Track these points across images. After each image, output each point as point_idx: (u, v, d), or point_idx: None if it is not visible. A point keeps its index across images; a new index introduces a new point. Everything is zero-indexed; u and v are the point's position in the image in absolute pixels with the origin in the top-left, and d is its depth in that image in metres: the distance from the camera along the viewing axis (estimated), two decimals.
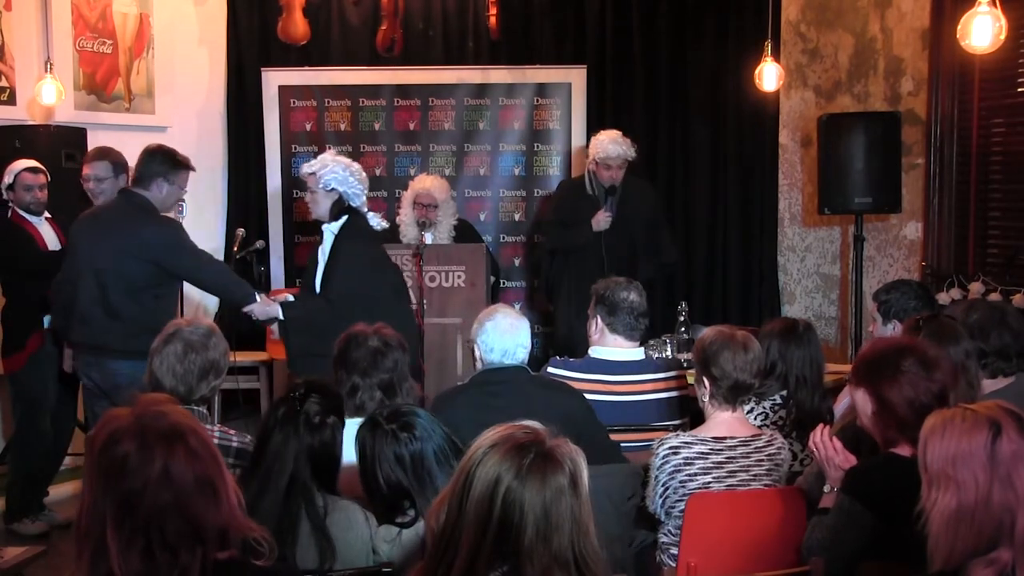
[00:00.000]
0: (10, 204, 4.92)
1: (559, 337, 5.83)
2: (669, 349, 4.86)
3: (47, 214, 5.00)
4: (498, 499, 1.73)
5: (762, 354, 3.32)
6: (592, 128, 6.85)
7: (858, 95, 6.62)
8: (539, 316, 6.66)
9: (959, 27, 4.11)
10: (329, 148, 5.10)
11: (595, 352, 3.87)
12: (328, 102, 6.82)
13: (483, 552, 1.74)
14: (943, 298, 5.60)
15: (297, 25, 6.80)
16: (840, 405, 3.62)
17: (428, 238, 5.83)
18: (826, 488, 2.78)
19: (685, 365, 3.99)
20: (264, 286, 6.75)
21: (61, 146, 5.53)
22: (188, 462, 1.76)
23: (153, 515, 1.73)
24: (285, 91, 6.80)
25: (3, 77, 5.80)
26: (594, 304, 3.91)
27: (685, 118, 7.04)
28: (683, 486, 3.06)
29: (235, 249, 6.06)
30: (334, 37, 7.03)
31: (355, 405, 3.09)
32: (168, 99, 6.72)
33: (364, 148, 6.77)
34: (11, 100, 5.83)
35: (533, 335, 3.72)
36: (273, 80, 6.80)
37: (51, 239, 4.97)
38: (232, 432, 3.04)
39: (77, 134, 5.75)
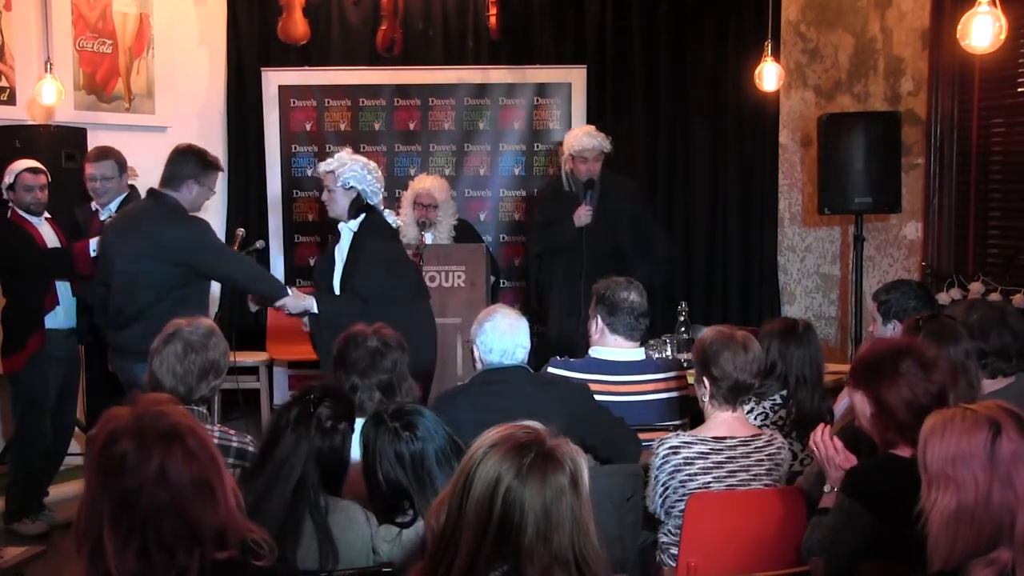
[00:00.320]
0: (10, 204, 4.92)
1: (551, 337, 5.84)
2: (669, 349, 4.86)
3: (47, 214, 5.00)
4: (498, 499, 1.73)
5: (762, 354, 3.32)
6: None
7: (858, 95, 6.62)
8: (533, 316, 6.66)
9: (959, 27, 4.11)
10: (346, 148, 5.11)
11: (595, 352, 3.87)
12: (328, 102, 6.82)
13: (483, 552, 1.74)
14: (943, 298, 5.60)
15: (297, 25, 6.81)
16: (840, 405, 3.62)
17: (428, 238, 5.84)
18: (826, 488, 2.78)
19: (685, 365, 3.99)
20: None
21: (61, 146, 5.53)
22: (185, 462, 1.76)
23: (149, 515, 1.73)
24: (285, 91, 6.80)
25: (3, 77, 5.80)
26: (594, 304, 3.91)
27: (685, 118, 7.04)
28: (683, 486, 3.06)
29: (235, 249, 6.08)
30: (334, 37, 7.03)
31: (354, 405, 3.10)
32: (168, 99, 6.72)
33: (364, 148, 6.76)
34: (11, 100, 5.83)
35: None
36: (273, 80, 6.80)
37: (51, 239, 4.97)
38: (232, 432, 3.04)
39: (77, 134, 5.75)
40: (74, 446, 5.44)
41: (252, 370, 6.36)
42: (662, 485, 3.10)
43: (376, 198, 4.57)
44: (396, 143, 6.84)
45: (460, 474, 1.79)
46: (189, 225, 4.31)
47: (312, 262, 6.40)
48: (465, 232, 6.13)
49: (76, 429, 5.48)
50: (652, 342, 4.72)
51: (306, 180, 6.87)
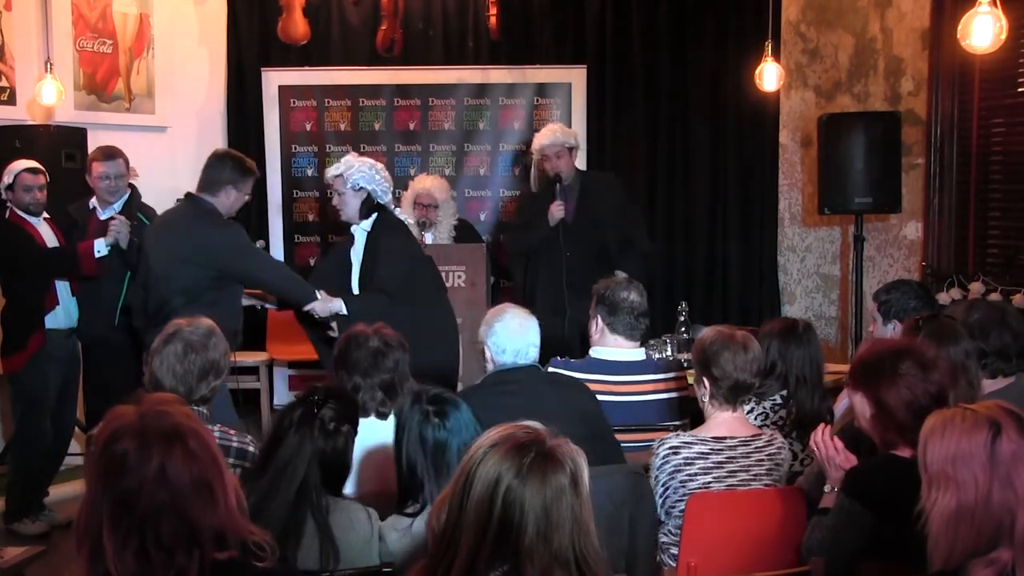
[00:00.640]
0: (8, 204, 4.92)
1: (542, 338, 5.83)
2: (669, 349, 4.86)
3: (45, 214, 5.00)
4: (498, 499, 1.73)
5: (762, 354, 3.32)
6: (592, 128, 6.87)
7: (858, 95, 6.63)
8: None
9: (959, 27, 4.11)
10: (350, 152, 5.14)
11: (596, 352, 3.87)
12: (328, 102, 6.82)
13: (483, 552, 1.74)
14: (943, 298, 5.60)
15: (297, 25, 6.80)
16: (840, 405, 3.62)
17: (428, 238, 5.84)
18: (827, 488, 2.78)
19: (685, 365, 3.99)
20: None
21: (61, 146, 5.53)
22: (185, 463, 1.76)
23: (149, 515, 1.73)
24: (285, 91, 6.80)
25: (3, 77, 5.80)
26: (595, 304, 3.91)
27: (685, 118, 7.04)
28: (683, 486, 3.06)
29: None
30: (334, 37, 7.03)
31: (358, 407, 3.10)
32: (168, 99, 6.72)
33: (364, 148, 6.76)
34: (11, 100, 5.83)
35: None
36: (273, 80, 6.80)
37: (50, 239, 4.97)
38: (232, 432, 3.04)
39: (77, 134, 5.74)
40: (74, 446, 5.44)
41: (252, 370, 6.35)
42: (662, 485, 3.10)
43: (386, 197, 4.61)
44: (396, 143, 6.84)
45: (460, 474, 1.79)
46: (224, 229, 4.35)
47: (312, 262, 6.41)
48: (465, 232, 6.13)
49: (76, 429, 5.48)
50: (652, 342, 4.72)
51: (306, 180, 6.87)
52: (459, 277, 5.59)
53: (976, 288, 5.60)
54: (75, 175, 5.28)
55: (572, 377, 3.66)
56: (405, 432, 2.57)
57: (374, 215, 4.55)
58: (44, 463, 5.02)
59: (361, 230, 4.59)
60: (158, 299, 4.29)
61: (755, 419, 3.46)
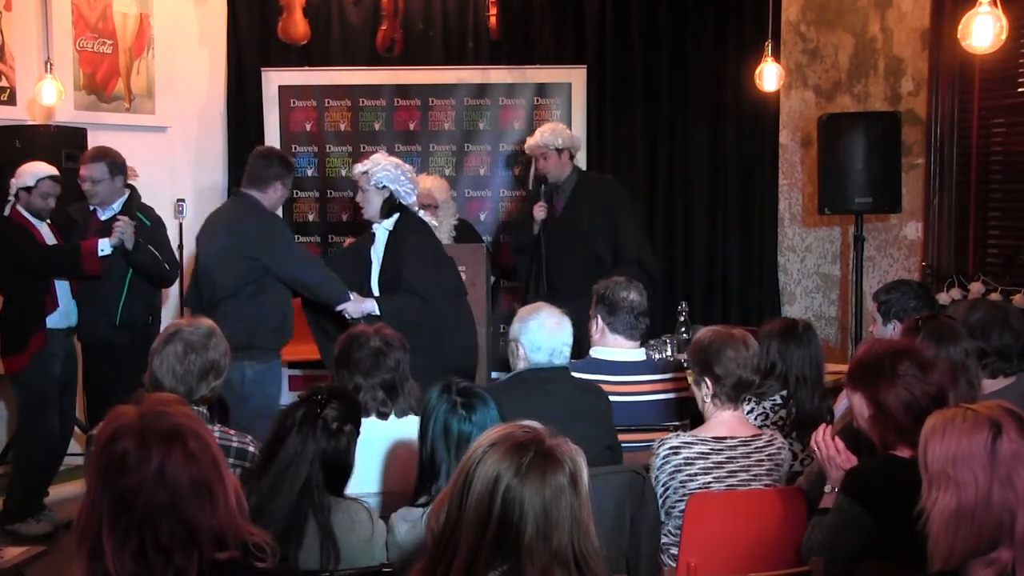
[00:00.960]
0: (13, 202, 4.89)
1: None
2: (669, 349, 4.85)
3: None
4: (498, 498, 1.73)
5: (760, 350, 3.33)
6: (592, 128, 6.87)
7: (858, 95, 6.63)
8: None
9: (960, 27, 4.11)
10: (380, 150, 5.15)
11: (596, 352, 3.87)
12: (328, 102, 6.82)
13: (483, 551, 1.74)
14: (943, 298, 5.60)
15: (297, 25, 6.80)
16: (840, 405, 3.62)
17: None
18: (827, 488, 2.78)
19: (685, 365, 3.98)
20: None
21: (61, 146, 5.53)
22: (184, 464, 1.76)
23: (147, 515, 1.73)
24: (285, 91, 6.80)
25: (3, 77, 5.80)
26: (595, 304, 3.91)
27: (685, 118, 7.03)
28: (683, 486, 3.06)
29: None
30: (334, 37, 7.03)
31: (360, 408, 3.10)
32: (168, 99, 6.72)
33: (364, 148, 6.76)
34: (11, 100, 5.82)
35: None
36: (273, 80, 6.79)
37: (50, 240, 4.96)
38: (232, 432, 3.04)
39: (77, 134, 5.75)
40: (74, 446, 5.44)
41: None
42: (662, 485, 3.10)
43: (410, 199, 4.66)
44: (396, 143, 6.83)
45: (460, 473, 1.79)
46: (269, 222, 4.51)
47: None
48: (465, 232, 6.13)
49: (76, 429, 5.48)
50: (652, 342, 4.72)
51: (306, 180, 6.86)
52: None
53: (976, 288, 5.60)
54: (75, 175, 5.27)
55: (594, 382, 3.63)
56: (431, 420, 2.58)
57: (396, 215, 4.59)
58: (48, 462, 5.01)
59: (383, 229, 4.62)
60: (207, 294, 4.40)
61: (755, 419, 3.46)
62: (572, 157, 5.69)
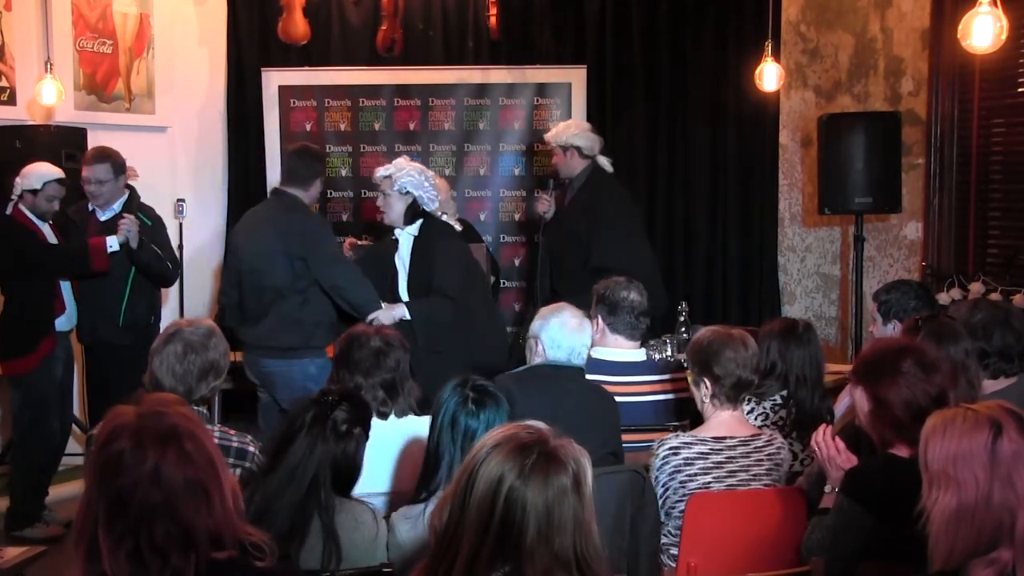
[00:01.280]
0: (16, 202, 4.86)
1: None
2: (669, 349, 4.85)
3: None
4: (500, 498, 1.73)
5: (759, 350, 3.33)
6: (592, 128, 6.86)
7: (858, 95, 6.63)
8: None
9: (960, 27, 4.11)
10: (403, 156, 5.14)
11: (596, 353, 3.86)
12: (328, 102, 6.82)
13: (484, 552, 1.73)
14: (943, 298, 5.60)
15: (297, 25, 6.80)
16: (840, 405, 3.62)
17: None
18: (827, 488, 2.78)
19: (686, 365, 3.98)
20: None
21: (61, 146, 5.52)
22: (179, 464, 1.76)
23: (142, 515, 1.73)
24: (285, 91, 6.80)
25: (3, 77, 5.80)
26: (595, 304, 3.91)
27: (685, 118, 7.03)
28: (683, 486, 3.06)
29: None
30: (334, 37, 7.03)
31: (371, 411, 3.11)
32: (168, 99, 6.72)
33: (364, 148, 6.77)
34: (11, 100, 5.82)
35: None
36: (273, 80, 6.79)
37: (51, 239, 4.95)
38: (232, 432, 3.03)
39: (77, 134, 5.74)
40: (75, 446, 5.44)
41: None
42: (662, 486, 3.10)
43: (432, 204, 4.65)
44: (396, 143, 6.83)
45: (463, 473, 1.79)
46: (315, 219, 4.59)
47: None
48: (465, 232, 6.12)
49: (77, 429, 5.48)
50: (652, 342, 4.72)
51: None
52: None
53: (976, 288, 5.60)
54: (75, 175, 5.27)
55: (604, 387, 3.63)
56: (440, 410, 2.59)
57: (419, 221, 4.59)
58: (49, 464, 4.98)
59: (407, 235, 4.61)
60: (253, 296, 4.39)
61: (755, 419, 3.46)
62: (583, 156, 5.63)
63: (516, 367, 3.54)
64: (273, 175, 6.81)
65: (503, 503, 1.73)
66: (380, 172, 4.65)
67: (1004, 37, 4.06)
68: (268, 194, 4.65)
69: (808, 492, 3.00)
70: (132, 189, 5.10)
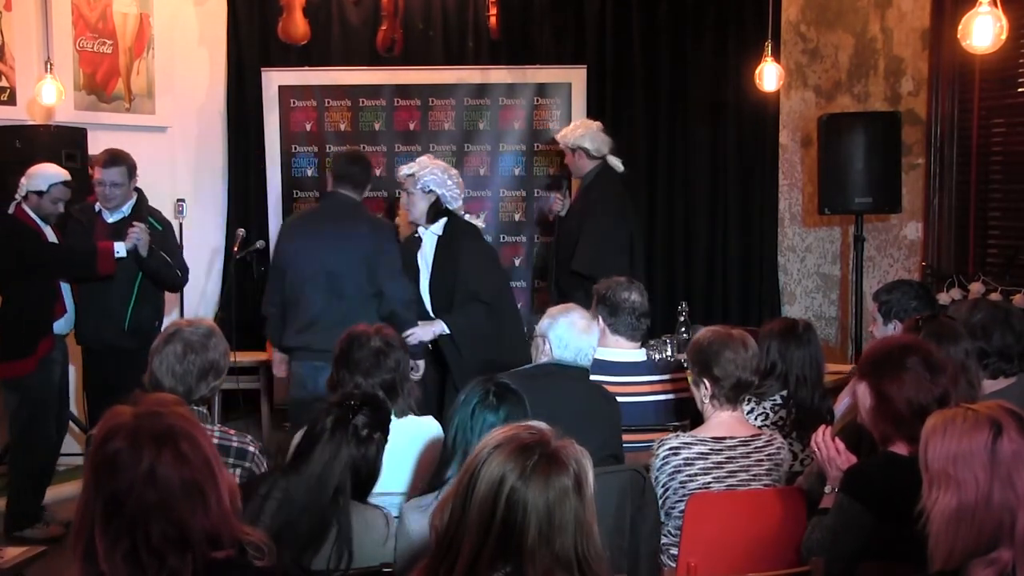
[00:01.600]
0: (16, 201, 4.84)
1: None
2: (669, 349, 4.85)
3: None
4: (501, 499, 1.73)
5: (759, 351, 3.33)
6: None
7: (858, 95, 6.63)
8: None
9: (960, 27, 4.11)
10: (427, 154, 5.15)
11: (597, 353, 3.83)
12: (328, 102, 6.81)
13: (485, 552, 1.73)
14: (943, 298, 5.60)
15: (297, 25, 6.80)
16: (840, 405, 3.62)
17: None
18: (827, 489, 2.78)
19: (686, 365, 3.98)
20: (264, 286, 6.76)
21: (61, 146, 5.52)
22: (175, 465, 1.76)
23: (139, 515, 1.73)
24: (285, 91, 6.79)
25: (3, 77, 5.80)
26: (595, 304, 3.91)
27: (685, 118, 7.03)
28: (683, 487, 3.06)
29: (235, 249, 6.08)
30: (334, 37, 7.02)
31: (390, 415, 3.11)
32: (168, 99, 6.72)
33: (364, 148, 6.75)
34: (11, 100, 5.82)
35: None
36: (273, 80, 6.79)
37: (52, 240, 4.94)
38: (232, 432, 3.03)
39: (77, 134, 5.74)
40: (75, 446, 5.44)
41: (252, 370, 6.35)
42: (662, 486, 3.10)
43: (456, 203, 4.64)
44: (396, 143, 6.83)
45: (464, 473, 1.79)
46: (386, 225, 4.59)
47: None
48: None
49: (76, 429, 5.47)
50: (652, 342, 4.72)
51: (306, 180, 6.86)
52: None
53: (976, 288, 5.60)
54: (75, 175, 5.26)
55: (608, 389, 3.63)
56: (462, 404, 2.60)
57: (443, 219, 4.57)
58: (49, 464, 4.97)
59: (431, 234, 4.59)
60: (325, 299, 4.27)
61: (755, 419, 3.46)
62: (591, 157, 5.65)
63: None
64: (273, 176, 6.83)
65: (504, 504, 1.73)
66: (404, 170, 4.64)
67: (1004, 37, 4.06)
68: (321, 197, 4.59)
69: (808, 492, 3.00)
70: (140, 191, 5.08)
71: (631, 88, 6.99)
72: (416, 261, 4.64)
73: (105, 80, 6.37)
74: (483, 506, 1.74)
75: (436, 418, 3.62)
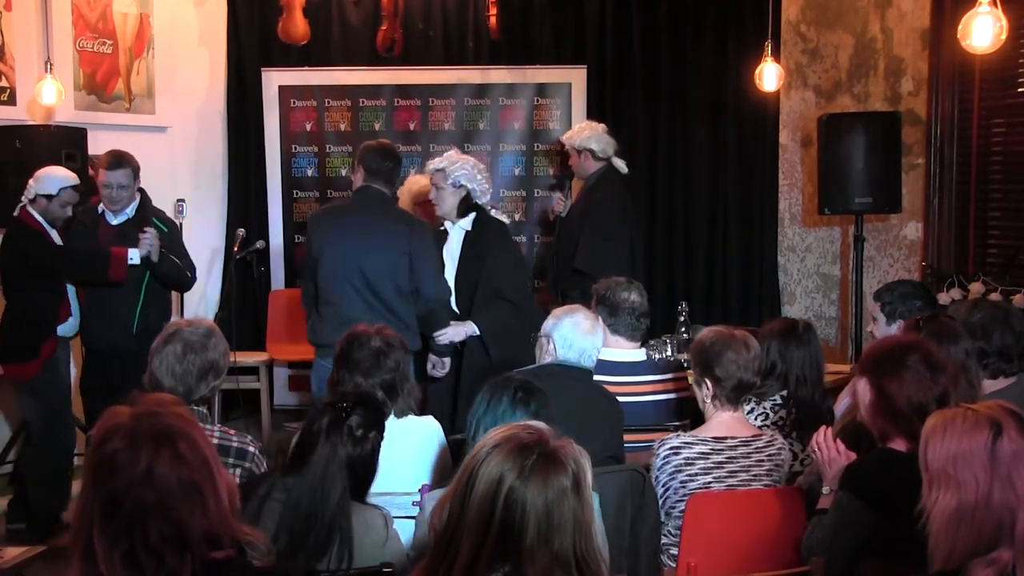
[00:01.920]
0: (22, 203, 4.81)
1: None
2: (669, 349, 4.85)
3: None
4: (500, 499, 1.73)
5: (761, 351, 3.33)
6: None
7: (858, 95, 6.62)
8: None
9: (959, 27, 4.11)
10: (453, 148, 5.12)
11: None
12: (328, 102, 6.82)
13: (484, 552, 1.73)
14: (943, 298, 5.60)
15: (297, 25, 6.80)
16: (840, 405, 3.62)
17: None
18: (824, 489, 2.78)
19: (686, 365, 3.99)
20: (264, 286, 6.77)
21: (61, 146, 5.51)
22: (172, 465, 1.76)
23: (137, 516, 1.72)
24: (285, 91, 6.80)
25: (3, 77, 5.80)
26: (595, 305, 3.92)
27: (685, 118, 7.03)
28: (684, 486, 3.06)
29: (235, 249, 6.08)
30: (334, 37, 7.02)
31: (385, 414, 3.10)
32: (168, 99, 6.71)
33: None
34: (11, 100, 5.82)
35: None
36: (273, 80, 6.79)
37: (57, 242, 4.92)
38: (232, 432, 3.03)
39: (77, 134, 5.73)
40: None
41: (252, 370, 6.35)
42: (663, 486, 3.10)
43: (484, 198, 4.63)
44: (396, 143, 6.76)
45: (463, 473, 1.79)
46: (422, 222, 4.51)
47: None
48: None
49: (77, 430, 5.46)
50: (652, 342, 4.72)
51: (306, 180, 6.86)
52: None
53: (976, 288, 5.60)
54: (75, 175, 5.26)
55: (608, 389, 3.63)
56: (490, 403, 2.59)
57: (473, 214, 4.56)
58: (69, 466, 4.87)
59: (459, 228, 4.58)
60: (363, 298, 4.21)
61: (755, 419, 3.46)
62: (597, 159, 5.66)
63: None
64: (273, 175, 6.83)
65: (503, 503, 1.73)
66: (433, 165, 4.60)
67: (1004, 37, 4.06)
68: (355, 193, 4.43)
69: (808, 492, 3.00)
70: (143, 192, 5.05)
71: (631, 88, 6.99)
72: (441, 255, 4.60)
73: (105, 80, 6.37)
74: (482, 506, 1.74)
75: (450, 416, 3.62)
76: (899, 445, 2.61)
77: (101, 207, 4.96)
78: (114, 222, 4.93)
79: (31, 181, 4.79)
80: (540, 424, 1.84)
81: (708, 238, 7.06)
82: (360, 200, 4.38)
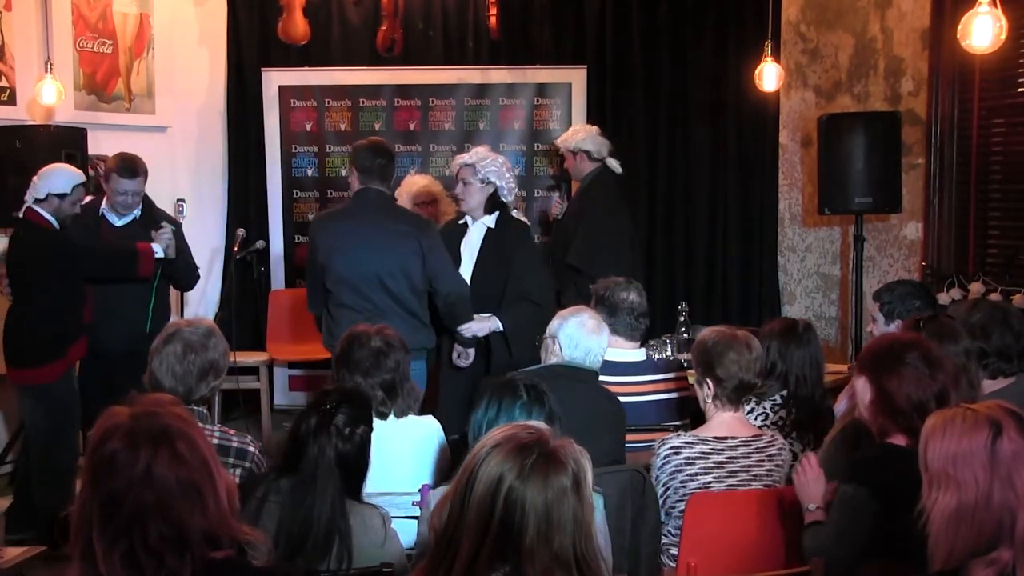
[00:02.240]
0: (26, 203, 4.75)
1: None
2: (669, 349, 4.86)
3: None
4: (500, 499, 1.73)
5: (763, 352, 3.33)
6: None
7: (858, 95, 6.62)
8: None
9: (959, 27, 4.11)
10: (483, 145, 5.12)
11: None
12: (328, 102, 6.82)
13: (484, 552, 1.73)
14: (943, 298, 5.60)
15: (297, 25, 6.80)
16: (840, 405, 3.62)
17: None
18: (811, 506, 2.78)
19: (686, 365, 3.99)
20: (265, 286, 6.77)
21: (61, 146, 5.49)
22: (171, 465, 1.76)
23: (136, 516, 1.72)
24: (285, 91, 6.80)
25: (3, 77, 5.80)
26: (594, 304, 3.91)
27: (685, 118, 7.04)
28: (684, 486, 3.06)
29: (236, 249, 6.08)
30: (334, 37, 7.03)
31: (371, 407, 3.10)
32: (168, 99, 6.71)
33: None
34: (11, 100, 5.82)
35: None
36: (273, 80, 6.80)
37: None
38: (232, 432, 3.03)
39: (77, 134, 5.72)
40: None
41: (252, 370, 6.35)
42: (663, 485, 3.10)
43: (510, 196, 4.64)
44: (396, 143, 6.82)
45: (463, 473, 1.79)
46: (419, 216, 4.52)
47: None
48: None
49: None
50: (652, 342, 4.73)
51: (306, 180, 6.87)
52: None
53: (976, 288, 5.60)
54: None
55: (613, 391, 3.63)
56: (503, 404, 2.58)
57: (497, 212, 4.56)
58: (75, 469, 4.71)
59: (481, 224, 4.57)
60: (380, 298, 4.20)
61: (755, 419, 3.46)
62: (592, 160, 5.67)
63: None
64: (273, 175, 6.83)
65: (503, 503, 1.73)
66: (462, 160, 4.58)
67: (1004, 37, 4.06)
68: (354, 196, 4.40)
69: None
70: (145, 194, 5.04)
71: (631, 88, 6.99)
72: (458, 249, 4.58)
73: (105, 80, 6.37)
74: (481, 505, 1.74)
75: (466, 411, 3.59)
76: (898, 441, 2.62)
77: (101, 208, 4.94)
78: (118, 223, 4.90)
79: (36, 180, 4.67)
80: (540, 424, 1.84)
81: (708, 238, 7.06)
82: (362, 203, 4.35)
